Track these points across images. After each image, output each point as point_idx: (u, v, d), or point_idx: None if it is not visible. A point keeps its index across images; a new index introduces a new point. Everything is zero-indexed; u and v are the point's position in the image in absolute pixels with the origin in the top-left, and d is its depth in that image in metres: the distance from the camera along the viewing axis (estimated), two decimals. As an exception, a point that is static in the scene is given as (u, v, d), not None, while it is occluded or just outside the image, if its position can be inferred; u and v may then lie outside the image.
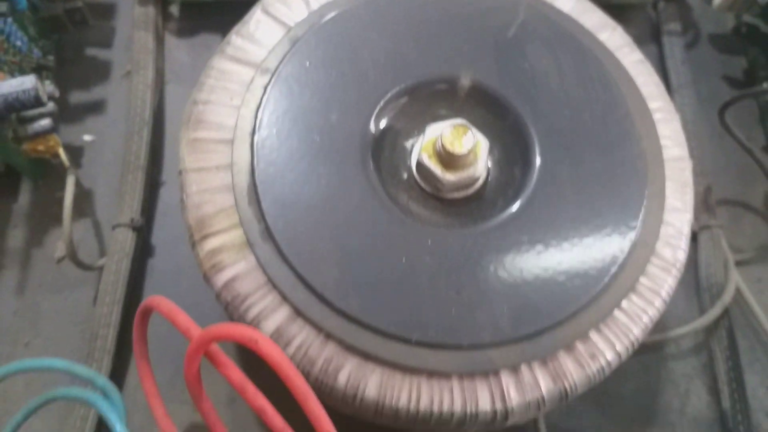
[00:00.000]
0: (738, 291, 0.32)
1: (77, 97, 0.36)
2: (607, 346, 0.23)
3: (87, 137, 0.36)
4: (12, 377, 0.24)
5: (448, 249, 0.23)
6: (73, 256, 0.31)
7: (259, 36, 0.26)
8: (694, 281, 0.34)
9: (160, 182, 0.35)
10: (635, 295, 0.24)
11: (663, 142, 0.26)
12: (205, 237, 0.23)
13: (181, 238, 0.33)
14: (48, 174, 0.35)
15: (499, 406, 0.22)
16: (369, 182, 0.24)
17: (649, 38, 0.39)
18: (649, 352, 0.33)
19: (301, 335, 0.22)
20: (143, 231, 0.33)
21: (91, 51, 0.37)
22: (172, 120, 0.36)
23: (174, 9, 0.38)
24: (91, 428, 0.27)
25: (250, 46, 0.26)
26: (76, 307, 0.32)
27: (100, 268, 0.32)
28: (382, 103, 0.25)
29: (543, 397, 0.22)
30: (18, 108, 0.29)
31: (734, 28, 0.37)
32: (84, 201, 0.34)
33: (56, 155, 0.32)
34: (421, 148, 0.24)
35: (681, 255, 0.25)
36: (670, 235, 0.24)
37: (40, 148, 0.32)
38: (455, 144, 0.23)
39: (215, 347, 0.22)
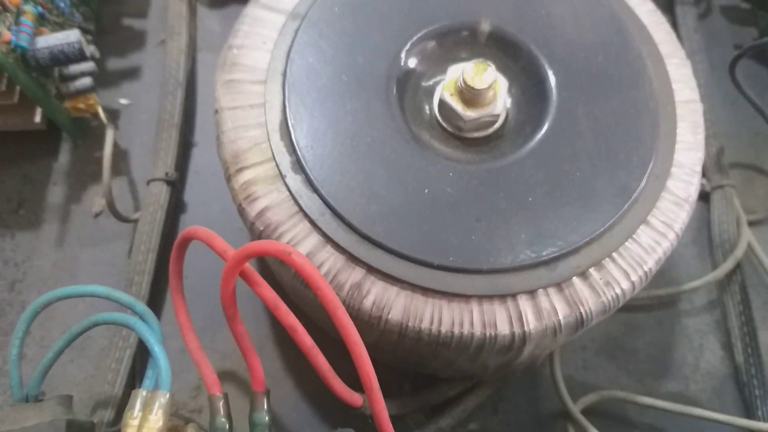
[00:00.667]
0: (750, 247, 0.33)
1: (114, 63, 0.38)
2: (621, 275, 0.24)
3: (123, 101, 0.37)
4: (55, 305, 0.26)
5: (468, 181, 0.24)
6: (111, 207, 0.32)
7: (287, -13, 0.28)
8: (708, 240, 0.35)
9: (193, 143, 0.37)
10: (648, 228, 0.25)
11: (674, 85, 0.27)
12: (239, 170, 0.25)
13: (213, 195, 0.35)
14: (86, 135, 0.36)
15: (517, 329, 0.23)
16: (393, 119, 0.25)
17: (663, 8, 0.40)
18: (663, 308, 0.34)
19: (330, 261, 0.24)
20: (177, 185, 0.34)
21: (127, 21, 0.39)
22: (204, 85, 0.38)
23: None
24: (130, 357, 0.29)
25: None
26: (113, 258, 0.34)
27: (136, 221, 0.33)
28: (408, 45, 0.26)
29: (560, 322, 0.23)
30: (62, 60, 0.30)
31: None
32: (120, 160, 0.36)
33: (95, 114, 0.34)
34: (443, 88, 0.26)
35: (693, 191, 0.26)
36: (682, 171, 0.25)
37: (81, 106, 0.34)
38: (476, 79, 0.24)
39: (249, 268, 0.23)
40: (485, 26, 0.27)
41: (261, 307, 0.33)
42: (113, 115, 0.37)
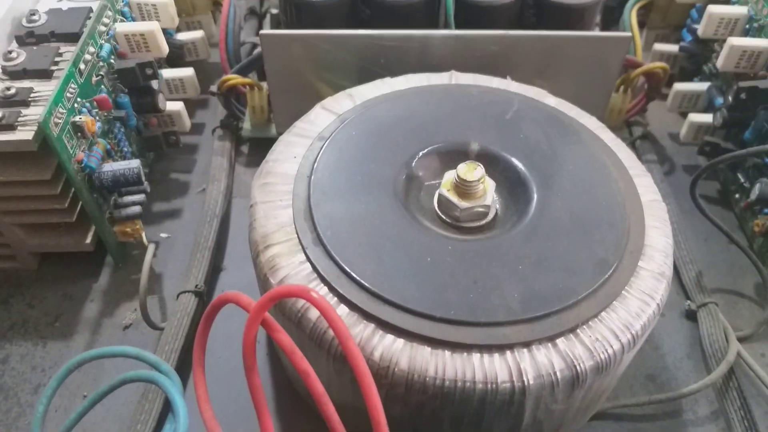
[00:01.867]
0: (741, 357, 0.35)
1: (158, 206, 0.44)
2: (611, 335, 0.26)
3: (163, 234, 0.42)
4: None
5: (465, 252, 0.28)
6: (144, 310, 0.35)
7: (317, 121, 0.34)
8: (701, 354, 0.37)
9: (221, 268, 0.41)
10: (631, 296, 0.27)
11: (639, 189, 0.31)
12: (267, 247, 0.29)
13: (235, 312, 0.38)
14: (127, 261, 0.41)
15: (516, 380, 0.25)
16: (399, 208, 0.30)
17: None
18: (666, 418, 0.35)
19: (343, 317, 0.26)
20: (204, 298, 0.38)
21: (174, 175, 0.46)
22: (236, 226, 0.43)
23: (244, 147, 0.48)
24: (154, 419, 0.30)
25: (310, 126, 0.34)
26: (136, 367, 0.36)
27: (162, 329, 0.36)
28: (414, 162, 0.32)
29: (556, 375, 0.25)
30: (122, 183, 0.36)
31: (699, 149, 0.44)
32: (154, 281, 0.40)
33: (139, 239, 0.39)
34: (441, 186, 0.31)
35: (667, 269, 0.29)
36: (655, 251, 0.29)
37: (128, 230, 0.39)
38: (468, 174, 0.29)
39: (270, 318, 0.26)
40: (474, 146, 0.33)
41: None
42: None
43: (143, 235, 0.39)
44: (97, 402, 0.27)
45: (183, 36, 0.49)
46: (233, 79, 0.44)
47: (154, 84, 0.41)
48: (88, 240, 0.38)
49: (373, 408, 0.23)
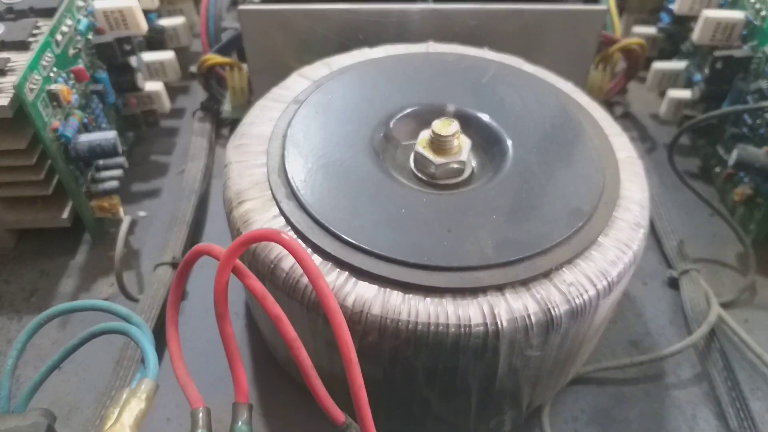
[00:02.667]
0: (722, 319, 0.35)
1: (137, 186, 0.44)
2: (586, 281, 0.26)
3: (141, 213, 0.42)
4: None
5: (440, 204, 0.28)
6: (120, 281, 0.35)
7: (293, 87, 0.34)
8: (684, 320, 0.36)
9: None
10: (607, 244, 0.27)
11: (614, 147, 0.31)
12: (240, 203, 0.29)
13: (210, 287, 0.38)
14: (104, 238, 0.40)
15: (489, 322, 0.25)
16: (375, 165, 0.30)
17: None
18: (649, 381, 0.34)
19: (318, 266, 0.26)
20: (181, 270, 0.37)
21: (154, 157, 0.46)
22: (214, 203, 0.43)
23: (225, 131, 0.48)
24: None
25: (286, 92, 0.34)
26: (110, 340, 0.35)
27: (138, 301, 0.36)
28: (391, 123, 0.32)
29: (530, 318, 0.25)
30: (99, 154, 0.36)
31: (678, 124, 0.44)
32: (131, 258, 0.39)
33: (116, 214, 0.39)
34: (417, 143, 0.31)
35: (644, 220, 0.29)
36: (631, 203, 0.29)
37: (105, 205, 0.38)
38: (443, 128, 0.29)
39: (240, 265, 0.25)
40: (451, 108, 0.33)
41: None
42: (131, 224, 0.41)
43: (121, 210, 0.39)
44: (68, 355, 0.26)
45: (164, 21, 0.49)
46: (213, 58, 0.44)
47: (133, 61, 0.41)
48: (65, 215, 0.38)
49: (343, 344, 0.23)
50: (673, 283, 0.38)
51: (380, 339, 0.25)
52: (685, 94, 0.44)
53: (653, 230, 0.40)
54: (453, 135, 0.30)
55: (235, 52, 0.46)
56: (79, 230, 0.40)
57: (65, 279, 0.38)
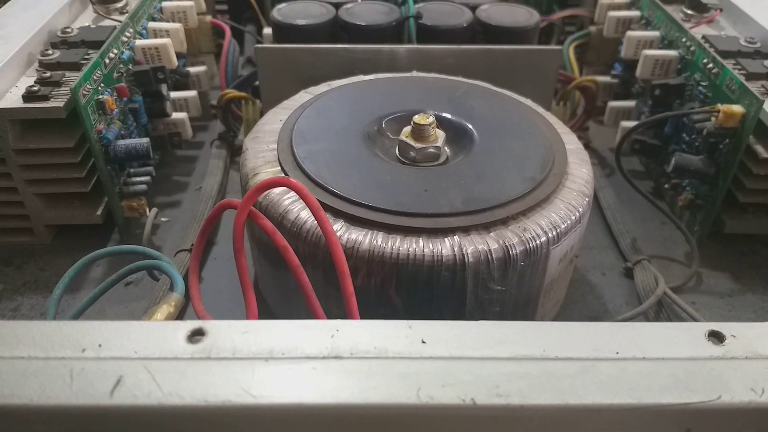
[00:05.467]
0: (667, 294, 0.40)
1: (161, 198, 0.50)
2: (539, 229, 0.32)
3: (163, 219, 0.48)
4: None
5: (418, 174, 0.34)
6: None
7: (300, 99, 0.42)
8: (638, 302, 0.41)
9: (214, 242, 0.46)
10: (557, 204, 0.33)
11: (564, 140, 0.38)
12: (255, 175, 0.35)
13: (228, 272, 0.43)
14: (131, 237, 0.46)
15: (457, 254, 0.30)
16: (367, 149, 0.36)
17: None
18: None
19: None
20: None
21: (176, 177, 0.53)
22: (227, 216, 0.49)
23: (238, 158, 0.55)
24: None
25: (293, 102, 0.41)
26: (134, 313, 0.40)
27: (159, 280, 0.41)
28: (382, 123, 0.39)
29: (490, 251, 0.30)
30: (133, 156, 0.42)
31: (630, 147, 0.51)
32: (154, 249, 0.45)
33: (143, 214, 0.45)
34: (401, 134, 0.37)
35: (588, 190, 0.35)
36: (577, 177, 0.35)
37: (134, 204, 0.45)
38: (422, 119, 0.36)
39: (255, 211, 0.31)
40: (430, 112, 0.40)
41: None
42: (153, 227, 0.47)
43: (147, 210, 0.45)
44: (108, 288, 0.31)
45: (190, 69, 0.57)
46: (231, 93, 0.52)
47: (164, 89, 0.48)
48: (99, 212, 0.44)
49: (338, 259, 0.28)
50: (629, 273, 0.43)
51: (368, 271, 0.31)
52: (623, 104, 0.53)
53: (610, 231, 0.46)
54: (430, 125, 0.36)
55: (250, 89, 0.54)
56: (108, 229, 0.46)
57: (95, 267, 0.44)
